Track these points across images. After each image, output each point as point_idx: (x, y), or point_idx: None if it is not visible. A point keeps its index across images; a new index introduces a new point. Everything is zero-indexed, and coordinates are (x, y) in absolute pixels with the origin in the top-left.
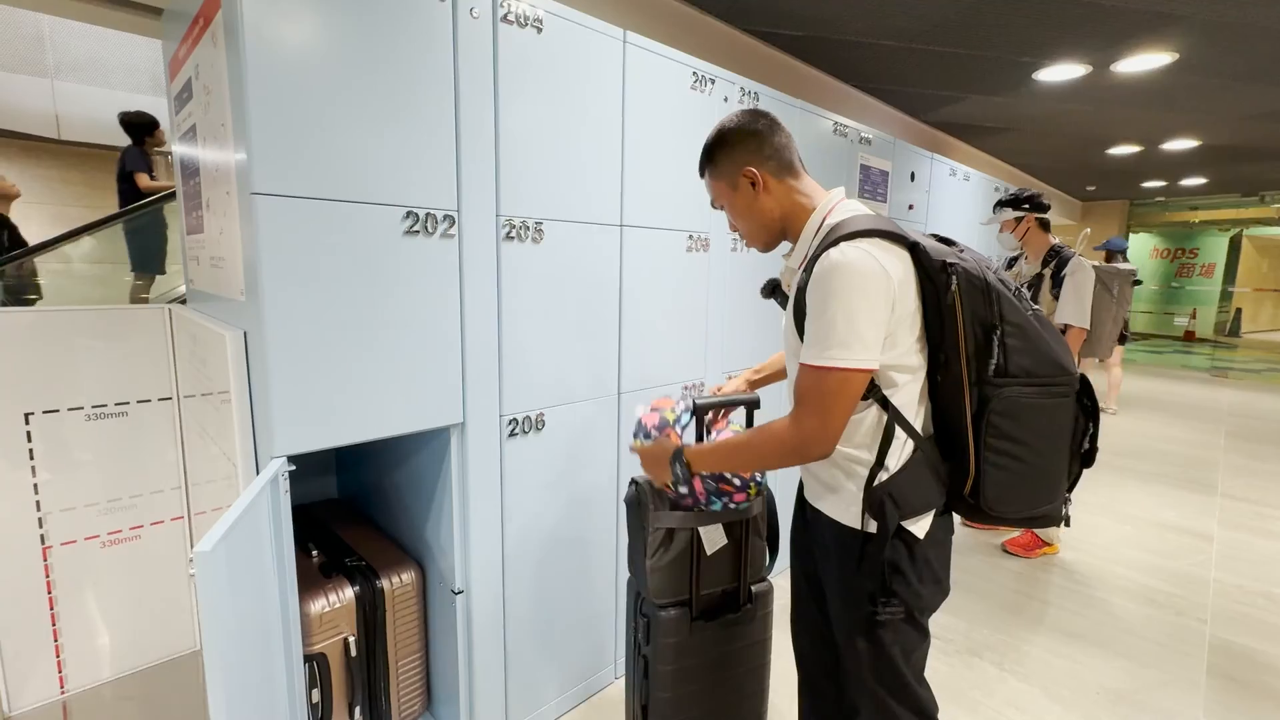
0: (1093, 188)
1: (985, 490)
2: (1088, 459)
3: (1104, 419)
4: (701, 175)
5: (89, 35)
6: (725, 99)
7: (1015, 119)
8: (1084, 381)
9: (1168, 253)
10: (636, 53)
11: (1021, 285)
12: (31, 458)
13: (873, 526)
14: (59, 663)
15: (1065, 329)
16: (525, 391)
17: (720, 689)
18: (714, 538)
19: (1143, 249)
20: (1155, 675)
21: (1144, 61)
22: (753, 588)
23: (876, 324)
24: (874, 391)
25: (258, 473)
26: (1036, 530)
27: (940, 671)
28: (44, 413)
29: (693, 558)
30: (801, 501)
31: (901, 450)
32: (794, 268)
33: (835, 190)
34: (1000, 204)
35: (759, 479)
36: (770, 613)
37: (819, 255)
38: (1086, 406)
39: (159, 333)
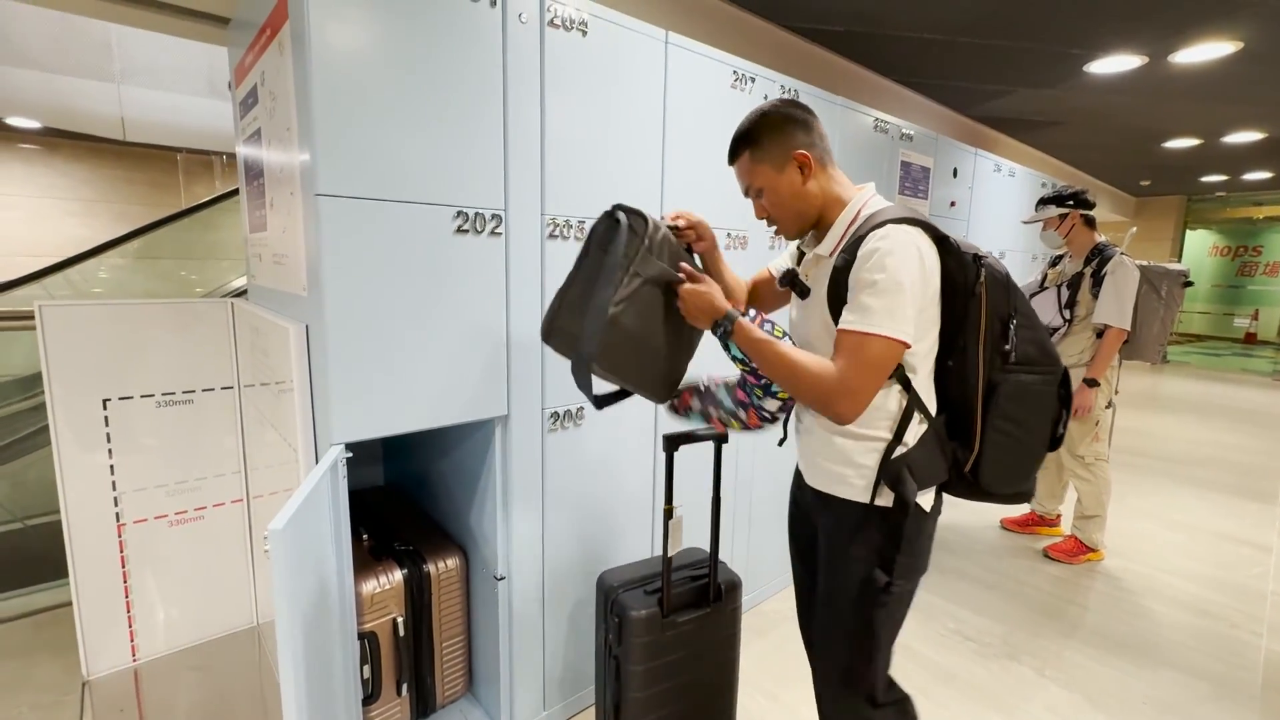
0: (1147, 183)
1: (985, 468)
2: (1056, 443)
3: (1155, 421)
4: (734, 160)
5: (151, 42)
6: (765, 97)
7: (1065, 112)
8: (1064, 373)
9: (1228, 250)
10: (678, 53)
11: (1062, 284)
12: (108, 441)
13: (883, 499)
14: (131, 632)
15: (1104, 329)
16: (566, 385)
17: (691, 686)
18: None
19: (1200, 246)
20: (1207, 688)
21: (1205, 51)
22: (721, 583)
23: (917, 303)
24: (897, 372)
25: (317, 459)
26: (1081, 536)
27: (977, 674)
28: (119, 399)
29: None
30: (797, 492)
31: (917, 428)
32: (824, 254)
33: (868, 184)
34: (1043, 201)
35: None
36: (739, 607)
37: (862, 238)
38: (1062, 395)
39: (222, 325)
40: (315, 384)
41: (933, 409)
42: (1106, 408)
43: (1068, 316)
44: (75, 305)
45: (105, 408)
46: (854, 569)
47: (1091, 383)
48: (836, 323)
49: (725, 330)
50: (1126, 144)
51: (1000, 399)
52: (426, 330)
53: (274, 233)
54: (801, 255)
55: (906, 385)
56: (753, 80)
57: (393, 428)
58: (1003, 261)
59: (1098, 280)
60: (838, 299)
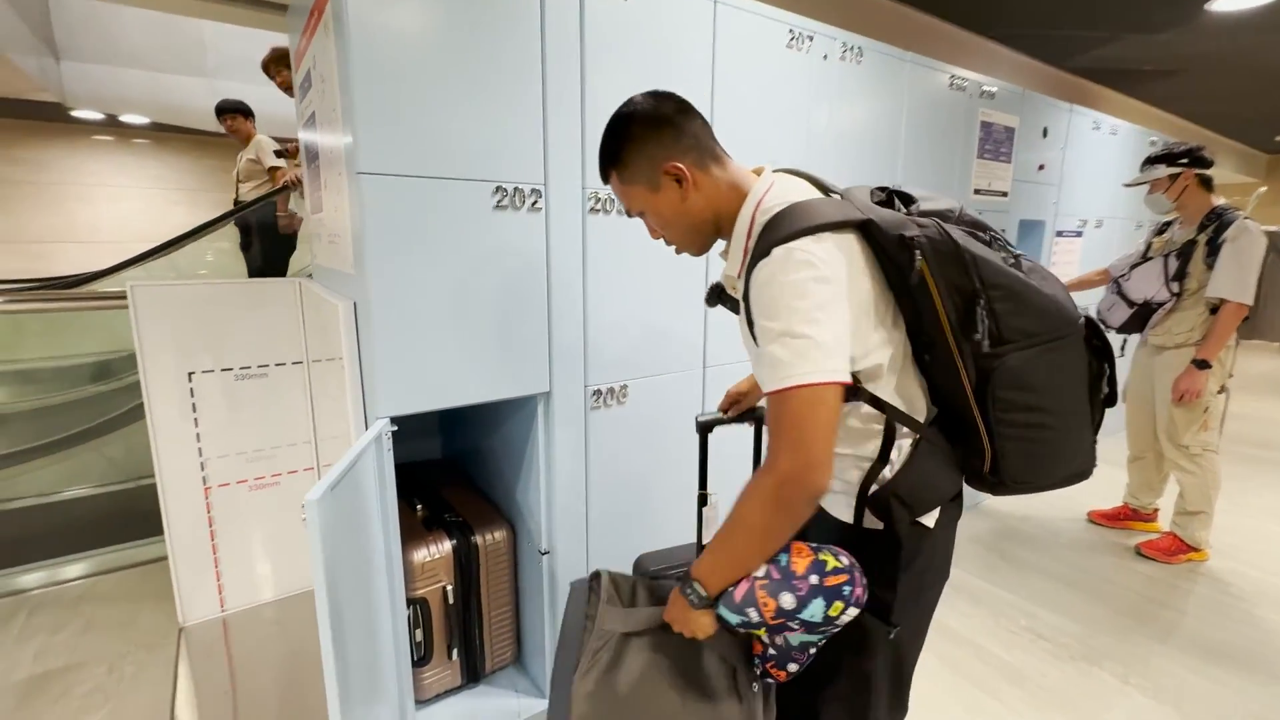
0: None
1: (1007, 467)
2: (1109, 400)
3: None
4: (605, 180)
5: (241, 37)
6: (825, 56)
7: (1182, 59)
8: (1089, 323)
9: None
10: (727, 11)
11: (1169, 253)
12: (194, 411)
13: (871, 521)
14: (219, 586)
15: (1220, 304)
16: (609, 362)
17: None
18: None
19: None
20: None
21: None
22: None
23: (835, 327)
24: (858, 392)
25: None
26: (1182, 534)
27: (1050, 677)
28: (202, 372)
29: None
30: None
31: (903, 444)
32: (732, 275)
33: (765, 174)
34: (1150, 160)
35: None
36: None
37: (755, 264)
38: (1097, 347)
39: (292, 303)
40: (364, 359)
41: (923, 410)
42: (1219, 393)
43: (1176, 290)
44: (161, 286)
45: (190, 380)
46: None
47: (1202, 364)
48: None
49: (691, 586)
50: (1257, 93)
51: (996, 390)
52: (467, 306)
53: (329, 213)
54: None
55: (872, 400)
56: (810, 39)
57: (435, 403)
58: (1002, 233)
59: (1214, 248)
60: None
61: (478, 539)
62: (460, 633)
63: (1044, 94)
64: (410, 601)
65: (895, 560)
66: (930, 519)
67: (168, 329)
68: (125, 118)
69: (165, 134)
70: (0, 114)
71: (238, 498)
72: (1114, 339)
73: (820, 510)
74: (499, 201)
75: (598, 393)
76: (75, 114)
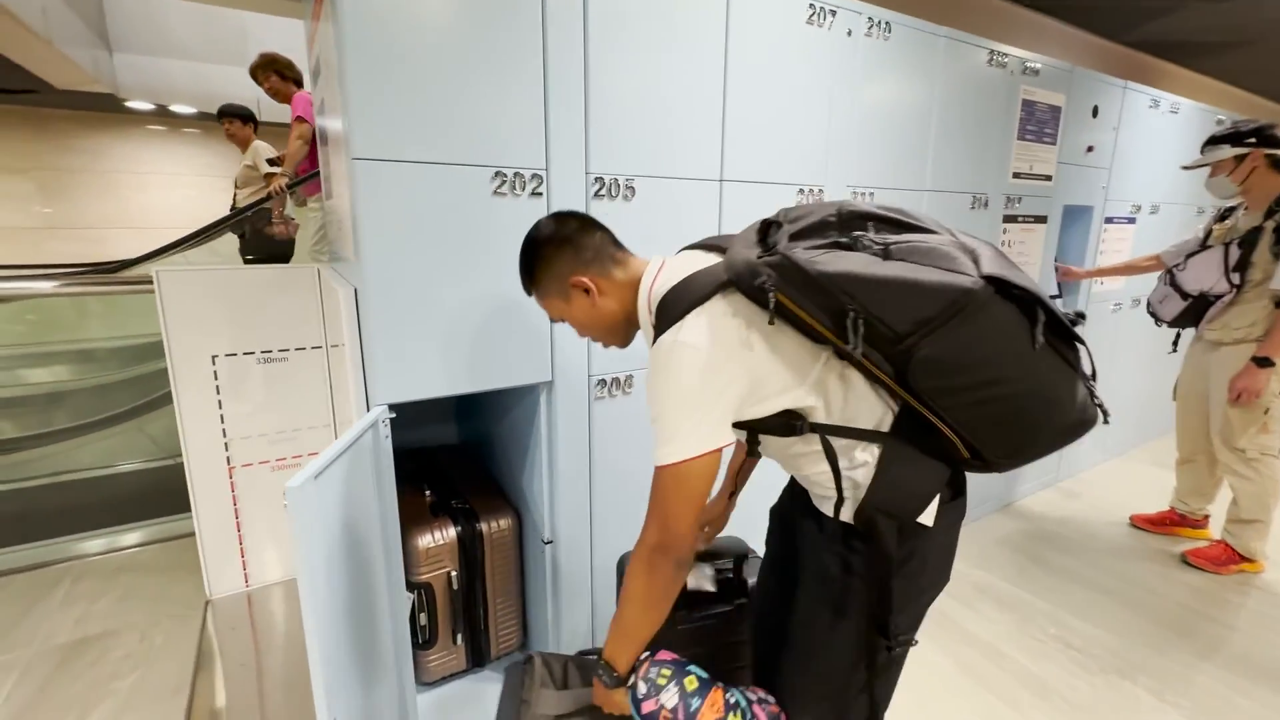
0: None
1: (984, 447)
2: (1071, 337)
3: None
4: (529, 294)
5: (280, 27)
6: (849, 32)
7: (1253, 28)
8: (993, 280)
9: None
10: None
11: (1231, 241)
12: (218, 393)
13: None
14: (243, 562)
15: None
16: (613, 352)
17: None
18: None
19: None
20: None
21: None
22: (747, 580)
23: (705, 406)
24: (798, 427)
25: None
26: (1234, 543)
27: (1077, 689)
28: (226, 355)
29: None
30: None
31: (867, 458)
32: None
33: (653, 261)
34: (1213, 140)
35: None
36: None
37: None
38: (1018, 295)
39: (311, 290)
40: (364, 345)
41: (883, 418)
42: None
43: (1236, 281)
44: (185, 270)
45: (214, 363)
46: (840, 600)
47: (1264, 362)
48: None
49: (603, 666)
50: None
51: (922, 383)
52: (467, 294)
53: (337, 199)
54: None
55: (817, 427)
56: (833, 14)
57: (433, 391)
58: (899, 212)
59: None
60: None
61: (483, 526)
62: (465, 618)
63: (1095, 70)
64: (415, 586)
65: (889, 568)
66: (929, 517)
67: (192, 313)
68: (175, 107)
69: (213, 123)
70: (59, 105)
71: (261, 478)
72: (1167, 334)
73: (824, 515)
74: (498, 187)
75: (601, 382)
76: (128, 105)
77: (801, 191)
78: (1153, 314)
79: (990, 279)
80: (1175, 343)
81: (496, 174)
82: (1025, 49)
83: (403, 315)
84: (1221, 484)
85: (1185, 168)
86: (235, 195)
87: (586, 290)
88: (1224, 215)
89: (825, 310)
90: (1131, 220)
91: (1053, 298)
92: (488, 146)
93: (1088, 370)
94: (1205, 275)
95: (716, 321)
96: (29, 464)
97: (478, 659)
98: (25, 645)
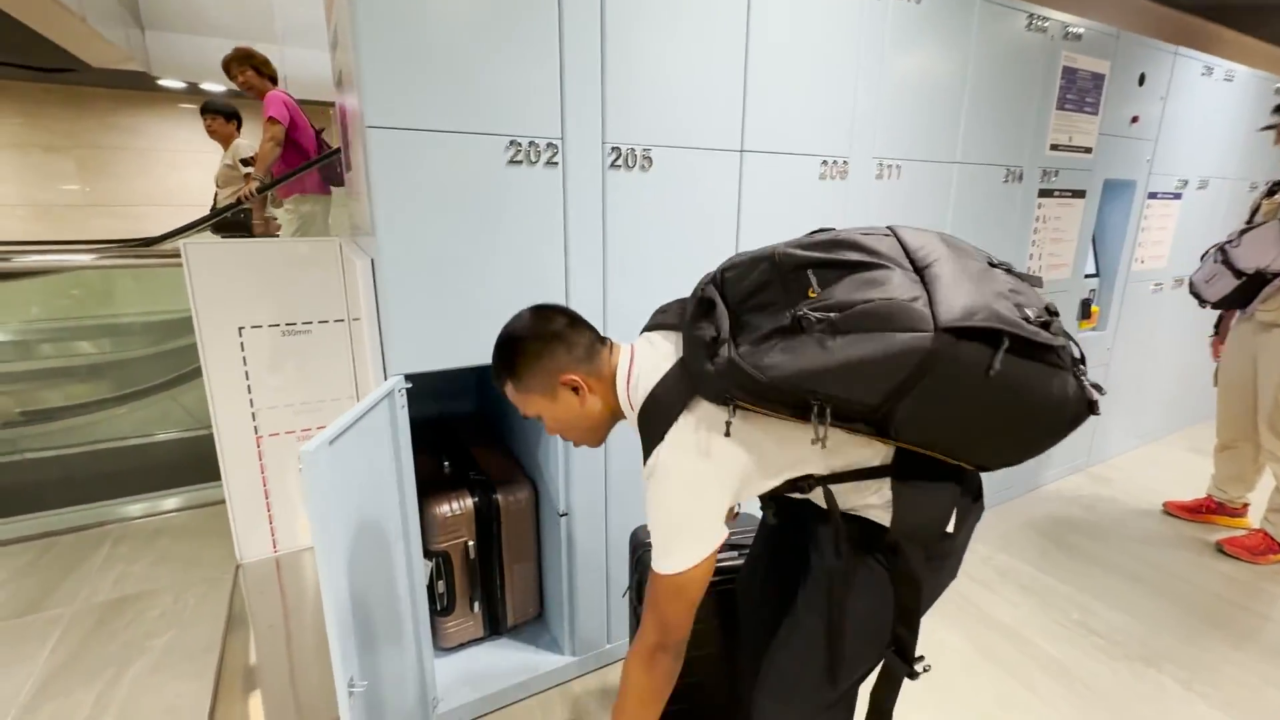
0: None
1: (985, 462)
2: (1044, 345)
3: None
4: (500, 388)
5: (307, 3)
6: None
7: None
8: (953, 330)
9: None
10: None
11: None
12: (244, 364)
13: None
14: (271, 529)
15: None
16: (630, 325)
17: (709, 659)
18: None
19: None
20: None
21: None
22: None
23: (696, 518)
24: (803, 486)
25: None
26: (1274, 532)
27: (1099, 675)
28: (251, 327)
29: None
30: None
31: (881, 497)
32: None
33: (620, 353)
34: None
35: None
36: None
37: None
38: (982, 333)
39: (334, 262)
40: (381, 317)
41: (886, 454)
42: None
43: None
44: (211, 244)
45: (240, 335)
46: (856, 601)
47: None
48: None
49: None
50: None
51: (907, 440)
52: (481, 265)
53: (355, 170)
54: None
55: (825, 479)
56: None
57: (447, 362)
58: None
59: None
60: None
61: (499, 498)
62: (482, 587)
63: (1143, 35)
64: (433, 554)
65: (917, 594)
66: (951, 525)
67: (220, 285)
68: (206, 85)
69: (244, 101)
70: (97, 84)
71: (287, 447)
72: (1206, 316)
73: (864, 520)
74: (513, 156)
75: None
76: (162, 83)
77: (825, 163)
78: (1196, 294)
79: (948, 330)
80: (1217, 325)
81: (511, 143)
82: (1068, 13)
83: (418, 286)
84: (1264, 471)
85: (1259, 130)
86: (215, 195)
87: (576, 389)
88: (1274, 189)
89: (787, 405)
90: (1177, 196)
91: (1088, 276)
92: (502, 115)
93: (1077, 355)
94: (1262, 252)
95: (690, 437)
96: (72, 431)
97: (494, 628)
98: (68, 603)
